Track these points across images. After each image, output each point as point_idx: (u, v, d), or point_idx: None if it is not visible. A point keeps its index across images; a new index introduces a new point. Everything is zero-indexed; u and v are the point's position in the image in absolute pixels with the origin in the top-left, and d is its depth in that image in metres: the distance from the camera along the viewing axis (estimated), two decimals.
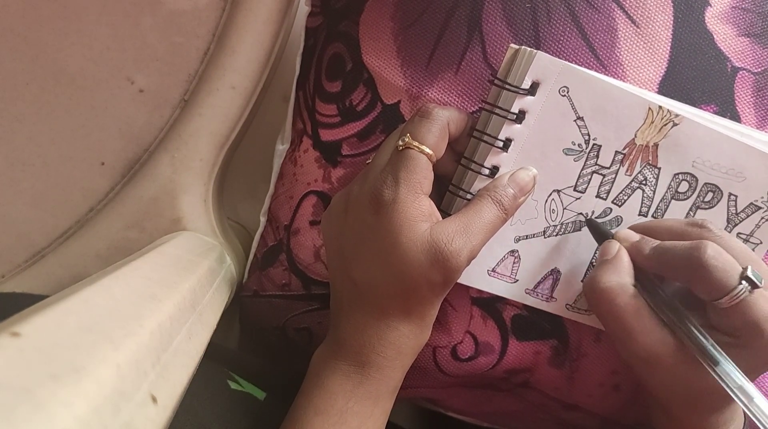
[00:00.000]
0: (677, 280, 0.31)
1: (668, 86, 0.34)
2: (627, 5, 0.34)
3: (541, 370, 0.38)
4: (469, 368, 0.37)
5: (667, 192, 0.34)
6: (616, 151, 0.33)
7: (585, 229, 0.34)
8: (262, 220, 0.44)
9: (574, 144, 0.33)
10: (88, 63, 0.40)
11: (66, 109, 0.41)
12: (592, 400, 0.39)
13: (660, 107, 0.32)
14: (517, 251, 0.35)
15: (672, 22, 0.34)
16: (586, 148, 0.33)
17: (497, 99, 0.32)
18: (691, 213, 0.34)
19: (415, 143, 0.31)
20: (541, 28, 0.34)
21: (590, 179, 0.33)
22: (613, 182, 0.34)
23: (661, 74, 0.34)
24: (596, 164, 0.33)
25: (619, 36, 0.34)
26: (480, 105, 0.35)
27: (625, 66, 0.34)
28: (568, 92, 0.31)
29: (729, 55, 0.35)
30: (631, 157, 0.33)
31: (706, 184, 0.34)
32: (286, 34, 0.44)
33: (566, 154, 0.33)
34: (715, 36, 0.34)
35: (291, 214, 0.41)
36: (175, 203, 0.42)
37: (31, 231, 0.42)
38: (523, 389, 0.39)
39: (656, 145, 0.33)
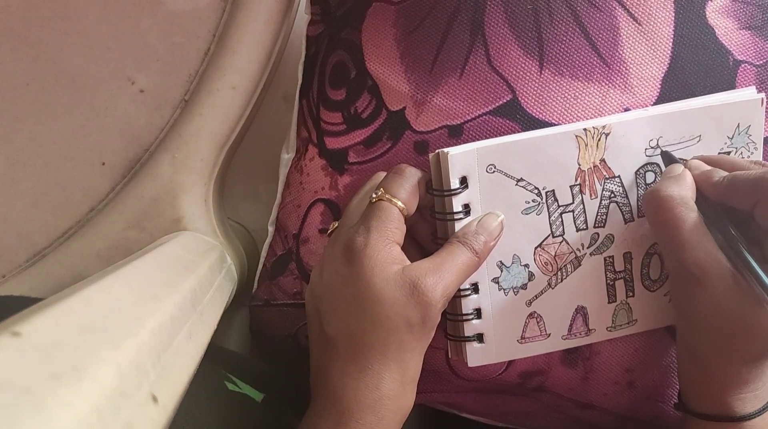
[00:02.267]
0: (742, 207, 0.30)
1: (671, 82, 0.34)
2: (628, 3, 0.34)
3: (555, 370, 0.38)
4: (484, 369, 0.37)
5: (638, 190, 0.34)
6: (570, 186, 0.33)
7: (585, 260, 0.35)
8: (270, 229, 0.44)
9: (528, 202, 0.33)
10: (88, 63, 0.40)
11: (66, 110, 0.41)
12: (607, 398, 0.39)
13: (585, 129, 0.32)
14: (535, 312, 0.35)
15: (673, 18, 0.34)
16: (542, 199, 0.33)
17: (441, 206, 0.33)
18: None
19: (388, 196, 0.32)
20: (544, 28, 0.34)
21: (561, 221, 0.34)
22: (584, 212, 0.34)
23: (664, 70, 0.34)
24: (559, 206, 0.34)
25: (622, 34, 0.34)
26: (480, 114, 0.35)
27: (628, 64, 0.34)
28: (495, 168, 0.32)
29: (731, 49, 0.35)
30: (587, 182, 0.34)
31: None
32: (287, 34, 0.44)
33: (526, 213, 0.33)
34: (716, 30, 0.34)
35: (299, 222, 0.41)
36: (176, 203, 0.42)
37: (31, 231, 0.42)
38: (539, 393, 0.39)
39: (603, 160, 0.33)
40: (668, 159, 0.34)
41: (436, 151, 0.33)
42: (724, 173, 0.31)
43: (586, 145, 0.33)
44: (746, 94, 0.34)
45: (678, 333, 0.35)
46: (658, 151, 0.34)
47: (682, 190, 0.31)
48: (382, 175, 0.34)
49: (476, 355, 0.35)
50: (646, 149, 0.34)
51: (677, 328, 0.35)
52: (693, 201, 0.31)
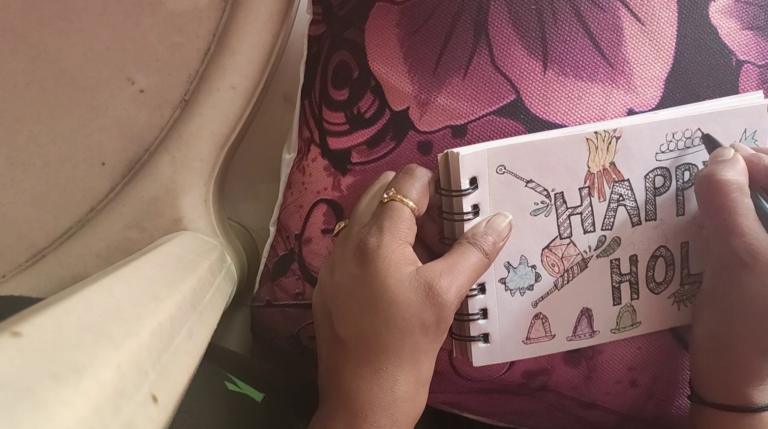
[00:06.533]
0: None
1: (674, 82, 0.34)
2: (632, 3, 0.34)
3: (558, 370, 0.38)
4: (487, 369, 0.37)
5: (646, 194, 0.34)
6: (579, 188, 0.33)
7: (592, 262, 0.35)
8: (272, 229, 0.43)
9: (537, 203, 0.33)
10: (88, 63, 0.40)
11: (66, 109, 0.41)
12: (610, 397, 0.39)
13: (596, 132, 0.32)
14: (541, 313, 0.35)
15: (676, 18, 0.34)
16: (551, 201, 0.33)
17: (450, 206, 0.33)
18: (680, 197, 0.35)
19: (399, 196, 0.32)
20: (548, 29, 0.34)
21: (570, 223, 0.34)
22: (592, 214, 0.34)
23: (667, 71, 0.34)
24: (567, 208, 0.34)
25: (625, 34, 0.34)
26: (484, 114, 0.35)
27: (632, 64, 0.34)
28: (505, 169, 0.32)
29: (733, 49, 0.35)
30: (596, 185, 0.33)
31: (677, 167, 0.34)
32: (287, 34, 0.44)
33: (534, 215, 0.33)
34: (719, 30, 0.34)
35: (302, 223, 0.41)
36: (176, 203, 0.42)
37: (31, 231, 0.42)
38: (542, 392, 0.39)
39: (612, 163, 0.33)
40: (710, 142, 0.33)
41: (446, 151, 0.33)
42: None
43: (597, 148, 0.33)
44: (753, 98, 0.34)
45: (700, 324, 0.34)
46: (668, 154, 0.34)
47: (738, 174, 0.31)
48: (391, 174, 0.34)
49: (481, 355, 0.35)
50: (656, 154, 0.33)
51: (699, 320, 0.34)
52: (747, 186, 0.31)
